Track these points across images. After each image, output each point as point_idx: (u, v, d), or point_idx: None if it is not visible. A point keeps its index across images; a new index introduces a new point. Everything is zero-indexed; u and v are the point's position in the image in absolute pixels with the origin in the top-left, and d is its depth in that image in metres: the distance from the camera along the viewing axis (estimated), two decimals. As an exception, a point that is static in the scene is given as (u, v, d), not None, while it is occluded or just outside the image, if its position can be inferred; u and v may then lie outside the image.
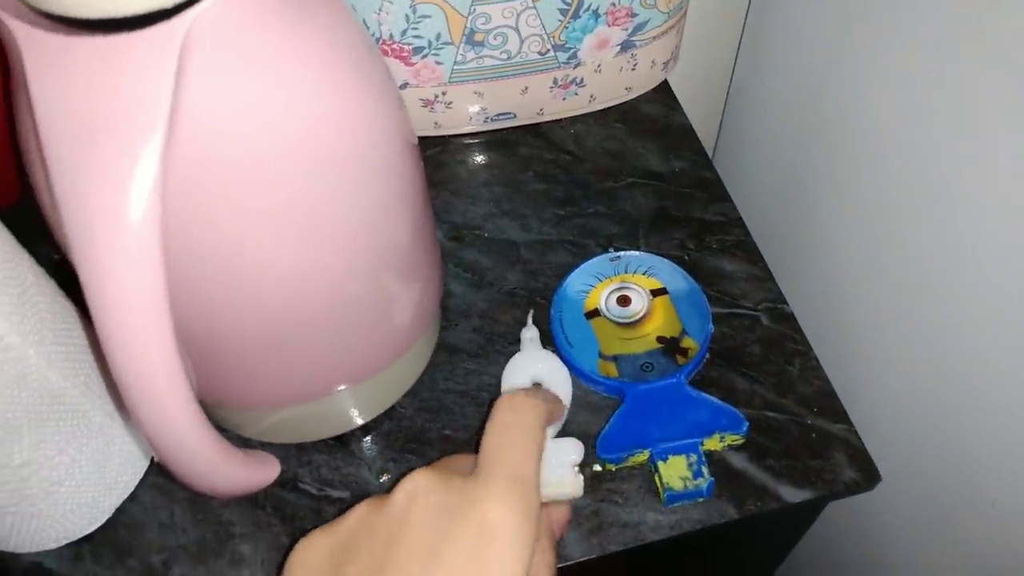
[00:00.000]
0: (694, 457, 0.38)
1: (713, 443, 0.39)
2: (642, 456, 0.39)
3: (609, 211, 0.50)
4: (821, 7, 0.53)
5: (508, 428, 0.27)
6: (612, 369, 0.41)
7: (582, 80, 0.52)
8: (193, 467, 0.27)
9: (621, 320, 0.43)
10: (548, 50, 0.50)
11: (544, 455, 0.37)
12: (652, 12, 0.50)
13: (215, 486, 0.29)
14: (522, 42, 0.49)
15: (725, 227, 0.49)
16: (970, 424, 0.44)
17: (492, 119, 0.53)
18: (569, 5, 0.47)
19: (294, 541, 0.25)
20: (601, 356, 0.42)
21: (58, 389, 0.33)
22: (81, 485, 0.36)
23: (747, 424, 0.39)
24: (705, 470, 0.38)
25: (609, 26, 0.50)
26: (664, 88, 0.57)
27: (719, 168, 0.68)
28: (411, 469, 0.26)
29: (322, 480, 0.39)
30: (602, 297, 0.44)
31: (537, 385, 0.41)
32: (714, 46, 0.69)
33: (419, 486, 0.25)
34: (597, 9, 0.48)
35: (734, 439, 0.39)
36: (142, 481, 0.40)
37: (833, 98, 0.53)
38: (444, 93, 0.51)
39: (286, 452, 0.40)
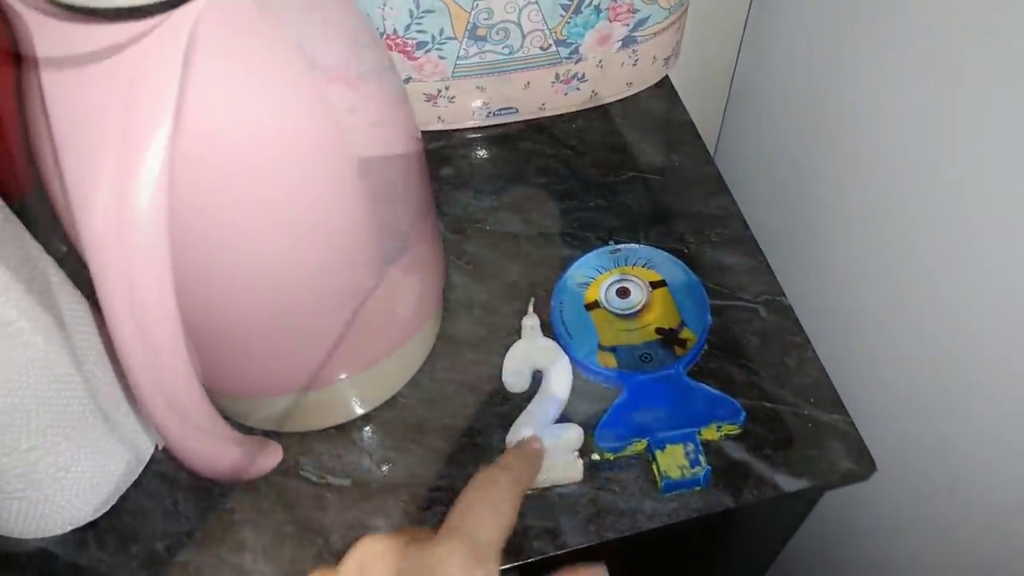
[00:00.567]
0: (691, 446, 0.39)
1: (710, 433, 0.40)
2: (640, 445, 0.39)
3: (610, 205, 0.50)
4: (822, 2, 0.54)
5: (474, 502, 0.26)
6: (611, 360, 0.42)
7: (584, 75, 0.53)
8: (198, 450, 0.27)
9: (620, 312, 0.44)
10: (550, 45, 0.50)
11: (546, 442, 0.38)
12: (653, 8, 0.51)
13: (219, 470, 0.29)
14: (524, 37, 0.49)
15: (724, 221, 0.49)
16: (965, 415, 0.45)
17: (494, 114, 0.54)
18: (571, 1, 0.48)
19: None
20: (600, 347, 0.42)
21: (65, 375, 0.33)
22: (86, 471, 0.36)
23: (744, 414, 0.39)
24: (702, 459, 0.38)
25: (611, 21, 0.50)
26: (665, 83, 0.58)
27: (721, 163, 0.68)
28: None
29: (323, 468, 0.40)
30: (602, 289, 0.45)
31: (537, 373, 0.41)
32: (716, 42, 0.69)
33: (372, 551, 0.24)
34: (599, 5, 0.49)
35: (731, 429, 0.40)
36: (146, 469, 0.40)
37: (834, 94, 0.53)
38: (447, 88, 0.52)
39: (288, 440, 0.40)
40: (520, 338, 0.43)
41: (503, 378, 0.42)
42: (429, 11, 0.46)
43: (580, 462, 0.39)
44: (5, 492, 0.34)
